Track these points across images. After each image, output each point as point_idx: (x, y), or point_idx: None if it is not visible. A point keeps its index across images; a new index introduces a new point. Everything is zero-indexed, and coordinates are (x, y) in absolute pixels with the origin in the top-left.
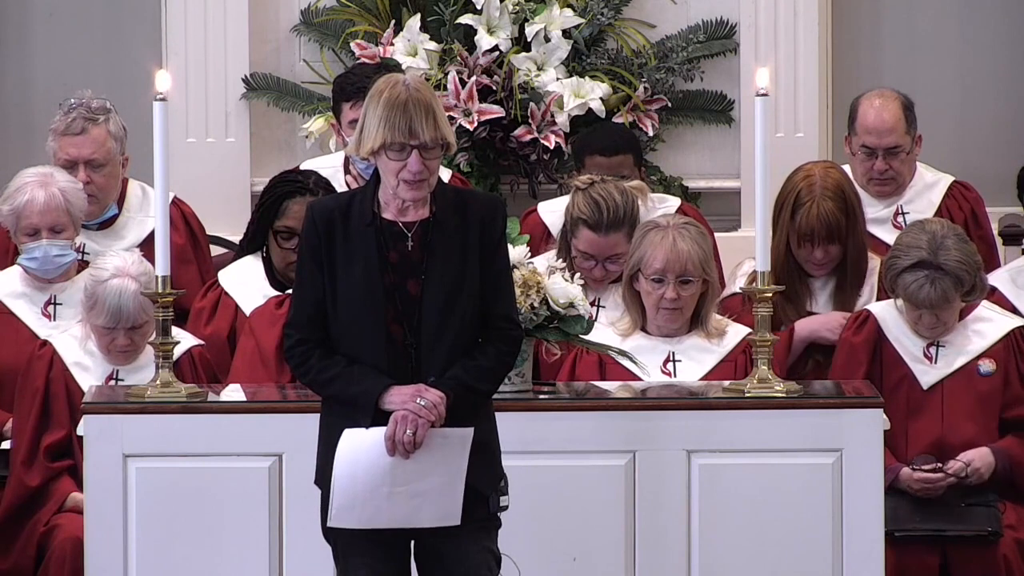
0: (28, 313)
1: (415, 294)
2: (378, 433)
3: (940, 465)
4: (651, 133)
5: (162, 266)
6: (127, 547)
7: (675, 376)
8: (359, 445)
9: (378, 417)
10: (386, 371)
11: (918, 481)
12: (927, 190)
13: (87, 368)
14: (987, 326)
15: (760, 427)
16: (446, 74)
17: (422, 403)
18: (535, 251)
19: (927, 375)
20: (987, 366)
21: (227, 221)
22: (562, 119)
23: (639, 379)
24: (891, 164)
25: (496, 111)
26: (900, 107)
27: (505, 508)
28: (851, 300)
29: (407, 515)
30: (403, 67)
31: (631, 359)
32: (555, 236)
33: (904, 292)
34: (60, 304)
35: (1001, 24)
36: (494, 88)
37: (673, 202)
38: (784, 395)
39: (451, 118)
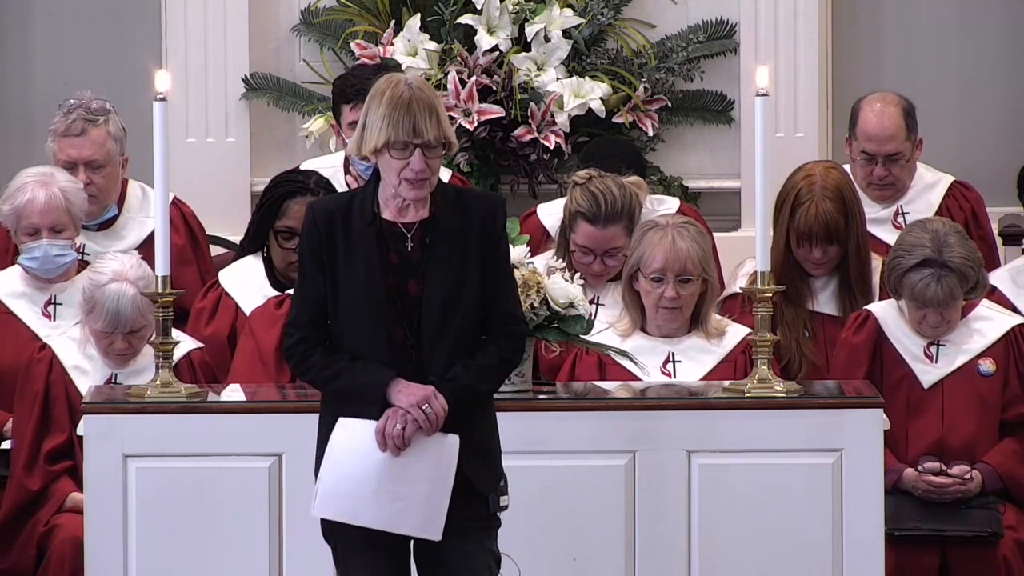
0: (28, 313)
1: (416, 295)
2: (370, 427)
3: (944, 467)
4: (651, 133)
5: (162, 266)
6: (127, 547)
7: (675, 376)
8: (352, 436)
9: (386, 408)
10: None
11: (925, 483)
12: (927, 190)
13: (86, 372)
14: (987, 325)
15: (760, 427)
16: (446, 74)
17: (427, 410)
18: (534, 253)
19: (928, 374)
20: (987, 366)
21: (227, 221)
22: (562, 119)
23: (639, 379)
24: (891, 170)
25: (496, 111)
26: (901, 113)
27: (505, 508)
28: (856, 301)
29: (388, 519)
30: (403, 67)
31: (631, 359)
32: (554, 238)
33: (910, 291)
34: (60, 304)
35: (1001, 24)
36: (494, 88)
37: (672, 203)
38: (784, 395)
39: (451, 118)
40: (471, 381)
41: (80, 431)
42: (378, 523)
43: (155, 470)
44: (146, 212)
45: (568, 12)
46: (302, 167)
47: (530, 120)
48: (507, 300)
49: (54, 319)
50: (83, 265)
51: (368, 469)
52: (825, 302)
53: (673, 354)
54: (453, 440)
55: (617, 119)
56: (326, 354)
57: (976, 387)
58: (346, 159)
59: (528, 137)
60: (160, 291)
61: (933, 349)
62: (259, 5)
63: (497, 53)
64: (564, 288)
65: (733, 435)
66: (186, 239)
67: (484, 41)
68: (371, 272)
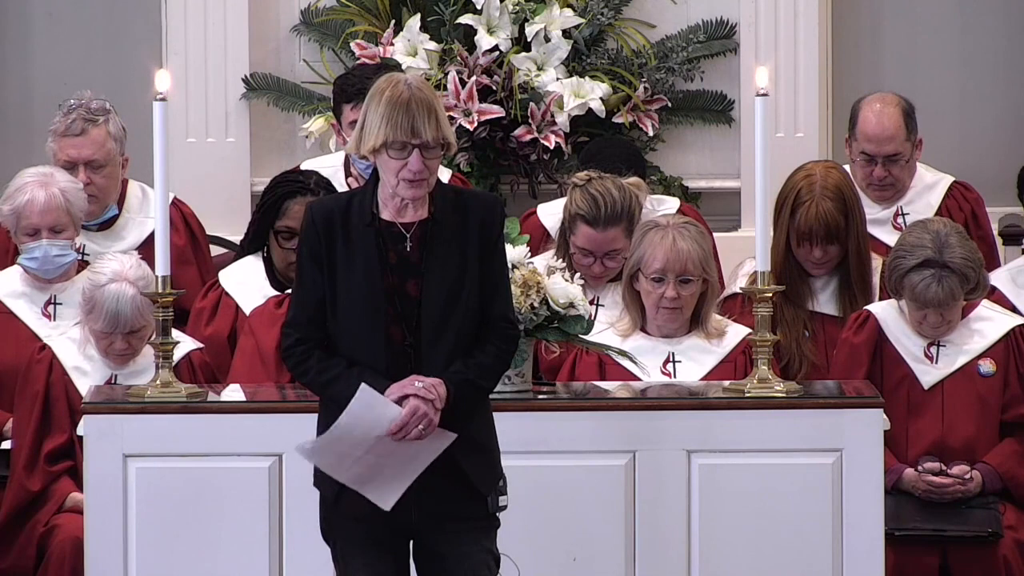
0: (28, 313)
1: (414, 295)
2: (390, 410)
3: (944, 468)
4: (651, 133)
5: (162, 266)
6: (127, 547)
7: (675, 376)
8: (368, 410)
9: None
10: (385, 372)
11: (925, 483)
12: (927, 191)
13: (86, 372)
14: (987, 325)
15: (760, 427)
16: (446, 74)
17: (419, 384)
18: (534, 253)
19: (928, 375)
20: (987, 367)
21: (227, 221)
22: (562, 119)
23: (639, 379)
24: (891, 171)
25: (496, 111)
26: (901, 114)
27: (504, 508)
28: (856, 301)
29: (353, 478)
30: (403, 67)
31: (631, 359)
32: (554, 238)
33: (911, 292)
34: (60, 304)
35: (1001, 24)
36: (494, 88)
37: (672, 203)
38: (784, 395)
39: (451, 118)
40: (472, 377)
41: (80, 431)
42: (344, 479)
43: (155, 470)
44: (146, 212)
45: (568, 12)
46: (302, 167)
47: (530, 120)
48: (503, 302)
49: (54, 319)
50: (83, 265)
51: (366, 440)
52: (825, 302)
53: (673, 354)
54: (448, 437)
55: (617, 119)
56: (323, 358)
57: (976, 388)
58: (347, 160)
59: (528, 137)
60: (160, 291)
61: (933, 350)
62: (259, 5)
63: (497, 53)
64: (564, 288)
65: (733, 435)
66: (186, 239)
67: (484, 41)
68: (370, 272)
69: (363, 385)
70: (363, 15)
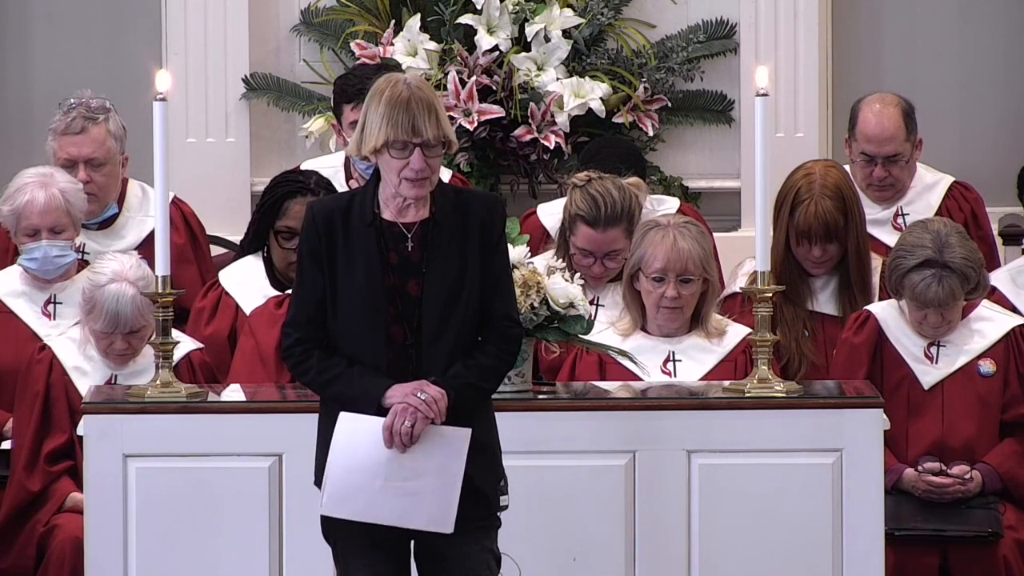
0: (28, 312)
1: (415, 295)
2: (377, 423)
3: (944, 468)
4: (651, 133)
5: (162, 266)
6: (127, 547)
7: (675, 376)
8: (357, 432)
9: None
10: (386, 372)
11: (925, 483)
12: (927, 191)
13: (86, 373)
14: (987, 325)
15: (760, 427)
16: (446, 74)
17: (422, 397)
18: (534, 253)
19: (928, 375)
20: (987, 367)
21: (227, 221)
22: (562, 119)
23: (639, 379)
24: (890, 171)
25: (496, 111)
26: (900, 114)
27: (505, 508)
28: (856, 301)
29: (399, 514)
30: (403, 67)
31: (631, 359)
32: (554, 238)
33: (911, 292)
34: (60, 303)
35: (1001, 24)
36: (494, 88)
37: (672, 203)
38: (784, 395)
39: (451, 118)
40: (473, 379)
41: (80, 431)
42: (389, 519)
43: (155, 470)
44: (146, 211)
45: (568, 12)
46: (302, 167)
47: (530, 120)
48: (504, 302)
49: (54, 318)
50: (83, 264)
51: (374, 465)
52: (825, 302)
53: (673, 353)
54: (464, 434)
55: (617, 119)
56: (324, 357)
57: (976, 388)
58: (347, 161)
59: (528, 137)
60: (160, 291)
61: (933, 350)
62: (259, 5)
63: (497, 53)
64: (564, 288)
65: (733, 435)
66: (186, 239)
67: (484, 41)
68: (370, 272)
69: (342, 414)
70: (363, 15)
